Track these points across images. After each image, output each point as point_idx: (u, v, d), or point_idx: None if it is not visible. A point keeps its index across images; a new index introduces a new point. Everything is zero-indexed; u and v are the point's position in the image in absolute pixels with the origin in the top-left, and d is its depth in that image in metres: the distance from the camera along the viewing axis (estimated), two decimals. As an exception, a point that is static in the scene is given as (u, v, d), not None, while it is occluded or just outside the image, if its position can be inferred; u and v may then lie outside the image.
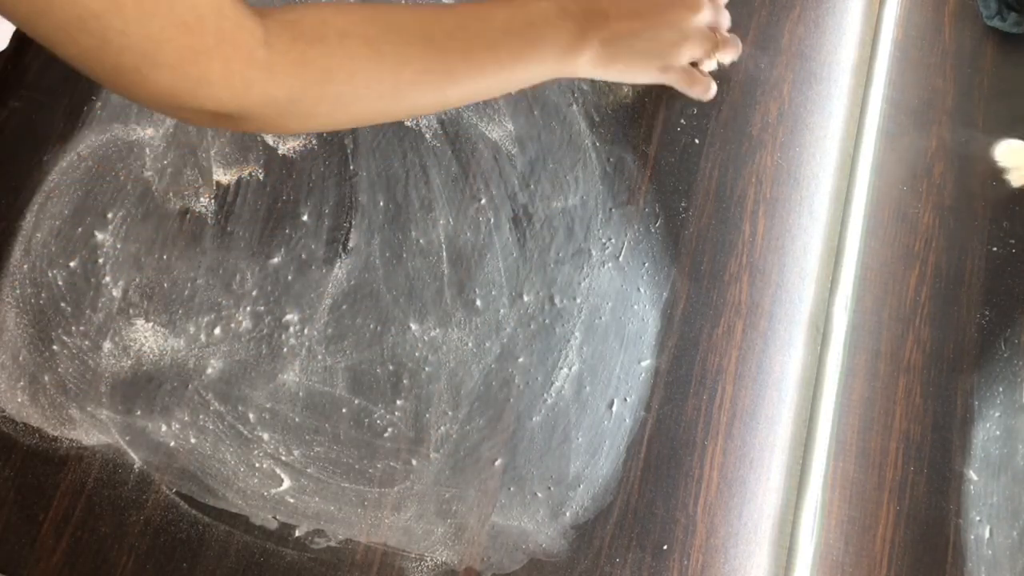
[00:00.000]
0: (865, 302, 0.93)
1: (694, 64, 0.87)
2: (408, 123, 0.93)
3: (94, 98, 0.89)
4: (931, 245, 0.97)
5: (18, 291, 0.82)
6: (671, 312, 0.90)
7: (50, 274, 0.83)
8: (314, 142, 0.90)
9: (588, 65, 0.75)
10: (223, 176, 0.88)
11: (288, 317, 0.84)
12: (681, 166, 0.95)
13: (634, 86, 0.96)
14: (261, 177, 0.88)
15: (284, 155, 0.89)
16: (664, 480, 0.84)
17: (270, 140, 0.90)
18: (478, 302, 0.87)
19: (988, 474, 0.88)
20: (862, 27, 1.06)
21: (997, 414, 0.90)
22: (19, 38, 0.89)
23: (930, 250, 0.96)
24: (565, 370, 0.86)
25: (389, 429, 0.82)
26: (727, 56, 0.87)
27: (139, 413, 0.80)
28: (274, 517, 0.79)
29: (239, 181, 0.88)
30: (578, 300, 0.89)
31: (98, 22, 0.47)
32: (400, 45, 0.64)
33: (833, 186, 0.98)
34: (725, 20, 0.85)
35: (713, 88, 0.87)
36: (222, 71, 0.53)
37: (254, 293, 0.85)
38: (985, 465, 0.88)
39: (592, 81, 0.97)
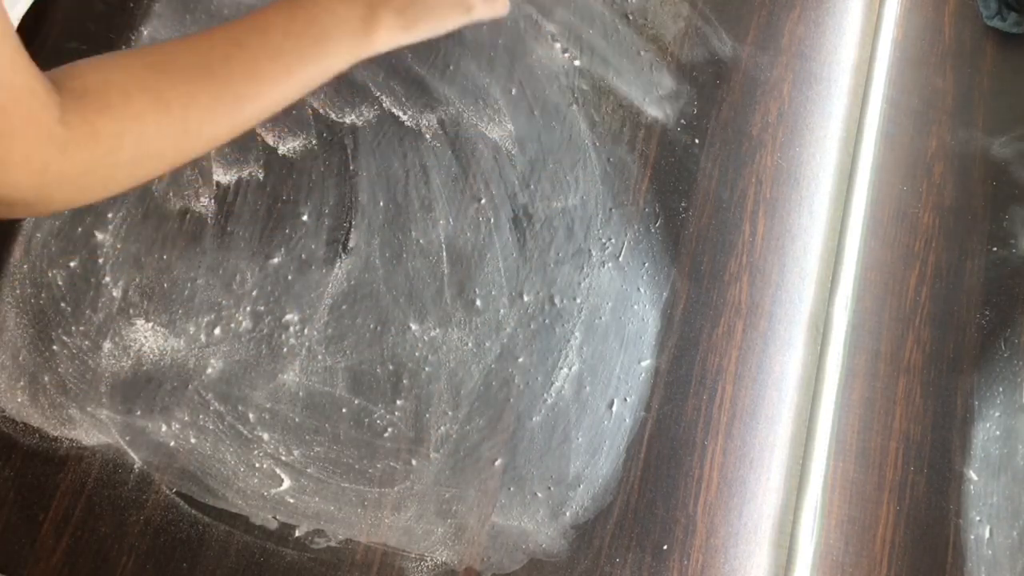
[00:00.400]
0: (865, 302, 0.93)
1: None
2: (408, 123, 0.93)
3: (94, 98, 0.89)
4: (931, 245, 0.97)
5: (18, 291, 0.82)
6: (671, 312, 0.90)
7: (50, 274, 0.83)
8: (314, 142, 0.90)
9: (389, 39, 0.72)
10: (223, 176, 0.88)
11: (288, 317, 0.84)
12: (681, 166, 0.95)
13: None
14: (261, 177, 0.88)
15: (284, 155, 0.89)
16: (664, 480, 0.84)
17: (270, 140, 0.90)
18: (478, 302, 0.87)
19: (988, 474, 0.88)
20: (862, 27, 1.06)
21: (997, 414, 0.90)
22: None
23: (930, 250, 0.96)
24: (565, 370, 0.86)
25: (389, 429, 0.82)
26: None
27: (139, 413, 0.80)
28: (274, 517, 0.79)
29: (239, 181, 0.88)
30: (578, 300, 0.89)
31: None
32: (182, 85, 0.62)
33: (833, 186, 0.98)
34: None
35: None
36: (23, 153, 0.51)
37: (254, 293, 0.85)
38: (985, 465, 0.88)
39: (592, 81, 0.97)
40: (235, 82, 0.65)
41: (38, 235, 0.84)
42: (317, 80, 0.73)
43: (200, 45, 0.66)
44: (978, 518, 0.86)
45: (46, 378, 0.80)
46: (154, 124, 0.59)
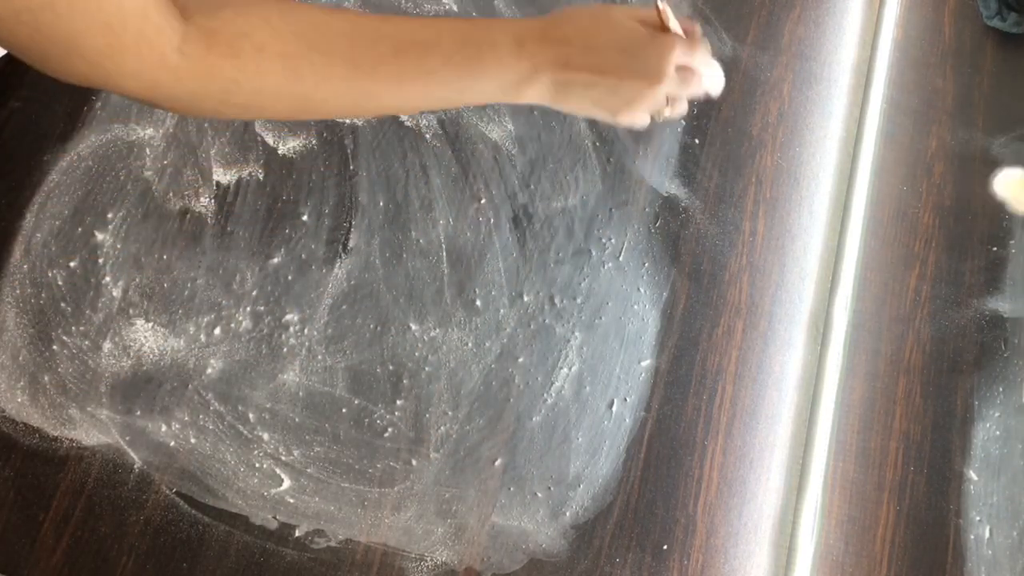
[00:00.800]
0: (865, 302, 0.93)
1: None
2: (408, 123, 0.93)
3: (94, 98, 0.89)
4: (931, 245, 0.96)
5: (18, 291, 0.82)
6: (671, 312, 0.90)
7: (50, 274, 0.83)
8: (314, 142, 0.90)
9: (535, 97, 0.72)
10: (223, 176, 0.88)
11: (288, 317, 0.84)
12: (681, 166, 0.95)
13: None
14: (261, 177, 0.88)
15: (284, 155, 0.89)
16: (664, 480, 0.84)
17: (270, 140, 0.90)
18: (478, 302, 0.87)
19: (988, 474, 0.88)
20: (862, 27, 1.06)
21: (997, 414, 0.90)
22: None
23: (930, 250, 0.96)
24: (565, 370, 0.86)
25: (389, 429, 0.82)
26: (679, 108, 0.78)
27: (139, 413, 0.80)
28: (274, 517, 0.79)
29: (239, 181, 0.88)
30: (578, 300, 0.89)
31: (32, 15, 0.51)
32: (321, 67, 0.64)
33: (833, 186, 0.98)
34: (699, 59, 0.77)
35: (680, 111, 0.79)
36: (134, 68, 0.56)
37: (254, 293, 0.85)
38: (985, 465, 0.88)
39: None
40: (376, 82, 0.66)
41: (38, 235, 0.84)
42: (448, 106, 0.76)
43: (360, 34, 0.67)
44: (978, 518, 0.86)
45: (46, 378, 0.80)
46: (277, 86, 0.62)
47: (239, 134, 0.89)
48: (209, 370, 0.82)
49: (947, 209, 0.98)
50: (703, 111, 0.98)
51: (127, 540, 0.77)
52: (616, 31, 0.72)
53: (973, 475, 0.88)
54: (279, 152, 0.89)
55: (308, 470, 0.80)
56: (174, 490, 0.78)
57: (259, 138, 0.89)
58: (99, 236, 0.84)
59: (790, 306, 0.92)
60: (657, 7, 0.72)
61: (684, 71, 0.74)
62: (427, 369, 0.84)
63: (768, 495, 0.86)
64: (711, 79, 0.84)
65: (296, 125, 0.90)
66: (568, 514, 0.82)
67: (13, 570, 0.75)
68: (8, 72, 0.89)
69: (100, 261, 0.84)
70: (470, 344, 0.86)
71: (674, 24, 0.73)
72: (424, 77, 0.67)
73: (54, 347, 0.81)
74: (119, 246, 0.84)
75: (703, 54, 0.76)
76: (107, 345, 0.82)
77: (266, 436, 0.81)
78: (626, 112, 0.72)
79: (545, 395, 0.85)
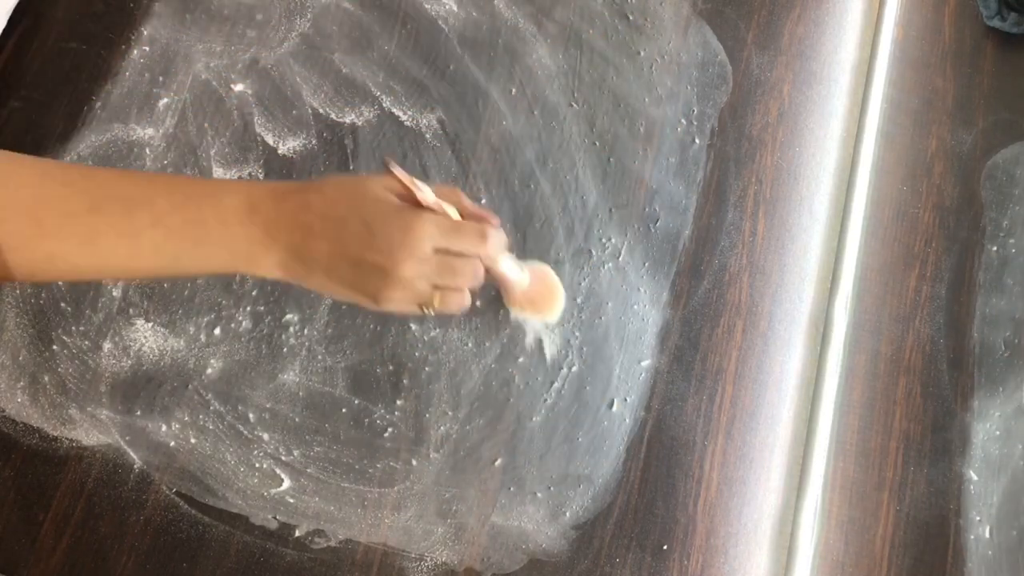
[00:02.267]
0: (865, 302, 0.93)
1: None
2: (408, 123, 0.93)
3: (94, 98, 0.89)
4: (931, 245, 0.96)
5: (18, 291, 0.82)
6: (671, 312, 0.90)
7: (50, 274, 0.83)
8: (314, 142, 0.90)
9: (275, 270, 0.63)
10: (223, 176, 0.88)
11: (288, 317, 0.84)
12: (681, 166, 0.95)
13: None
14: (261, 177, 0.88)
15: (284, 155, 0.89)
16: (664, 480, 0.84)
17: (270, 140, 0.90)
18: (478, 302, 0.87)
19: (988, 474, 0.88)
20: (862, 27, 1.06)
21: (997, 414, 0.90)
22: (18, 37, 0.89)
23: (930, 250, 0.96)
24: (565, 370, 0.86)
25: (389, 429, 0.82)
26: (453, 300, 0.68)
27: (139, 413, 0.80)
28: (274, 517, 0.79)
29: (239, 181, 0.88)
30: (578, 300, 0.89)
31: None
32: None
33: (833, 186, 0.98)
34: (468, 244, 0.66)
35: (462, 303, 0.69)
36: None
37: (254, 293, 0.84)
38: (985, 465, 0.88)
39: (592, 81, 0.97)
40: (62, 241, 0.58)
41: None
42: (170, 274, 0.66)
43: (49, 187, 0.58)
44: (978, 518, 0.86)
45: (46, 378, 0.80)
46: None
47: (239, 134, 0.89)
48: (209, 370, 0.82)
49: (947, 209, 0.98)
50: (703, 111, 0.98)
51: (127, 540, 0.77)
52: (365, 201, 0.64)
53: (973, 475, 0.88)
54: (279, 152, 0.89)
55: (308, 470, 0.80)
56: (174, 490, 0.78)
57: (259, 138, 0.89)
58: (99, 236, 0.84)
59: (790, 306, 0.92)
60: (389, 168, 0.64)
61: (447, 258, 0.65)
62: (427, 369, 0.84)
63: (768, 495, 0.86)
64: (543, 282, 0.79)
65: (296, 124, 0.90)
66: (568, 514, 0.82)
67: (13, 570, 0.75)
68: (8, 72, 0.89)
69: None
70: (470, 344, 0.86)
71: (428, 196, 0.65)
72: (129, 239, 0.58)
73: (54, 347, 0.81)
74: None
75: (474, 237, 0.66)
76: (107, 345, 0.82)
77: (266, 436, 0.81)
78: (381, 299, 0.63)
79: (545, 395, 0.85)
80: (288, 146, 0.90)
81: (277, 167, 0.89)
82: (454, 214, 0.66)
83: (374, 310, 0.66)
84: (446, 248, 0.64)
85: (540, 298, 0.84)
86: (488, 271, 0.70)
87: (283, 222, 0.62)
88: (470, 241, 0.66)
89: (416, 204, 0.64)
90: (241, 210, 0.61)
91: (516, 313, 0.85)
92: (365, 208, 0.63)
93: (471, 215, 0.69)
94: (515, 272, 0.76)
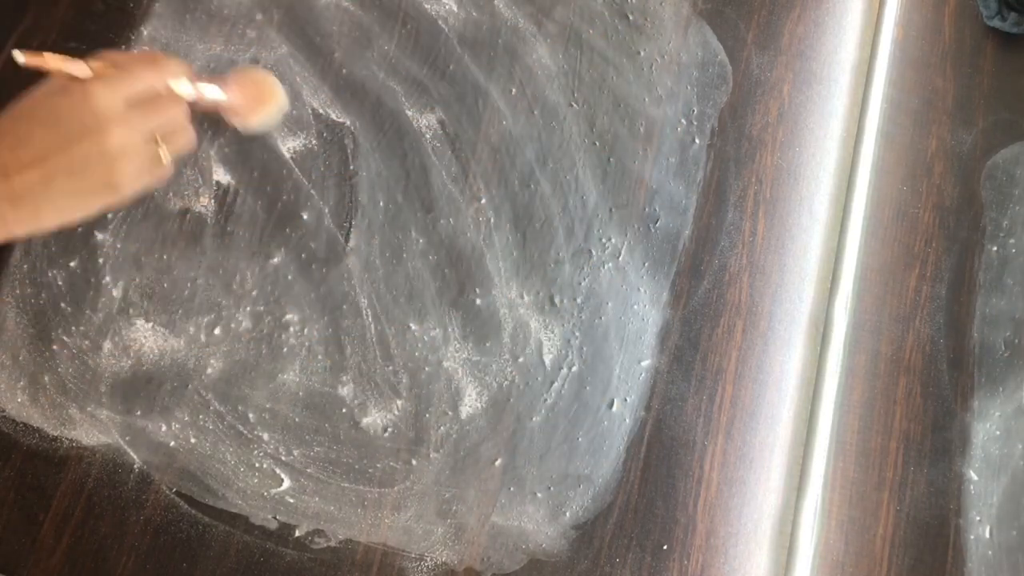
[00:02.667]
0: (865, 302, 0.93)
1: None
2: (408, 123, 0.92)
3: (94, 98, 0.89)
4: (931, 245, 0.96)
5: (18, 291, 0.82)
6: (671, 312, 0.90)
7: (50, 274, 0.83)
8: (314, 142, 0.90)
9: (10, 227, 0.59)
10: (223, 176, 0.88)
11: (288, 317, 0.84)
12: (681, 166, 0.95)
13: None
14: (261, 177, 0.88)
15: (284, 155, 0.89)
16: (664, 480, 0.84)
17: (270, 139, 0.90)
18: (478, 302, 0.87)
19: (988, 474, 0.88)
20: (862, 27, 1.06)
21: (997, 414, 0.90)
22: (18, 37, 0.89)
23: (930, 250, 0.96)
24: (565, 370, 0.86)
25: (389, 429, 0.82)
26: (181, 139, 0.66)
27: (139, 413, 0.80)
28: (274, 517, 0.79)
29: (239, 181, 0.88)
30: (578, 300, 0.89)
31: None
32: None
33: (833, 186, 0.98)
34: (142, 72, 0.64)
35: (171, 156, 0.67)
36: None
37: (254, 293, 0.84)
38: (985, 465, 0.88)
39: (592, 81, 0.97)
40: None
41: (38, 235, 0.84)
42: None
43: None
44: (978, 518, 0.86)
45: (46, 378, 0.80)
46: None
47: (238, 134, 0.89)
48: (209, 370, 0.82)
49: (947, 209, 0.98)
50: (703, 111, 0.98)
51: (127, 540, 0.77)
52: (33, 110, 0.61)
53: (973, 475, 0.88)
54: (279, 152, 0.89)
55: (308, 470, 0.80)
56: (174, 490, 0.78)
57: (259, 137, 0.89)
58: (99, 236, 0.84)
59: (790, 306, 0.92)
60: (19, 62, 0.61)
61: (146, 101, 0.62)
62: (427, 369, 0.84)
63: (768, 495, 0.86)
64: (202, 91, 0.70)
65: (296, 124, 0.90)
66: (568, 514, 0.82)
67: (13, 570, 0.75)
68: (8, 72, 0.89)
69: (100, 261, 0.84)
70: (470, 344, 0.86)
71: (82, 70, 0.62)
72: None
73: (54, 347, 0.81)
74: (119, 246, 0.84)
75: (144, 65, 0.63)
76: (107, 345, 0.82)
77: (266, 436, 0.81)
78: (116, 183, 0.60)
79: (545, 395, 0.85)
80: (288, 146, 0.90)
81: (277, 167, 0.89)
82: (79, 68, 0.63)
83: (123, 200, 0.62)
84: (132, 96, 0.61)
85: (256, 98, 0.76)
86: (191, 104, 0.67)
87: None
88: (146, 74, 0.63)
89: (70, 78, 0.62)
90: None
91: (245, 125, 0.78)
92: (38, 114, 0.60)
93: (120, 58, 0.65)
94: (212, 89, 0.71)
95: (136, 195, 0.62)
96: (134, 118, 0.61)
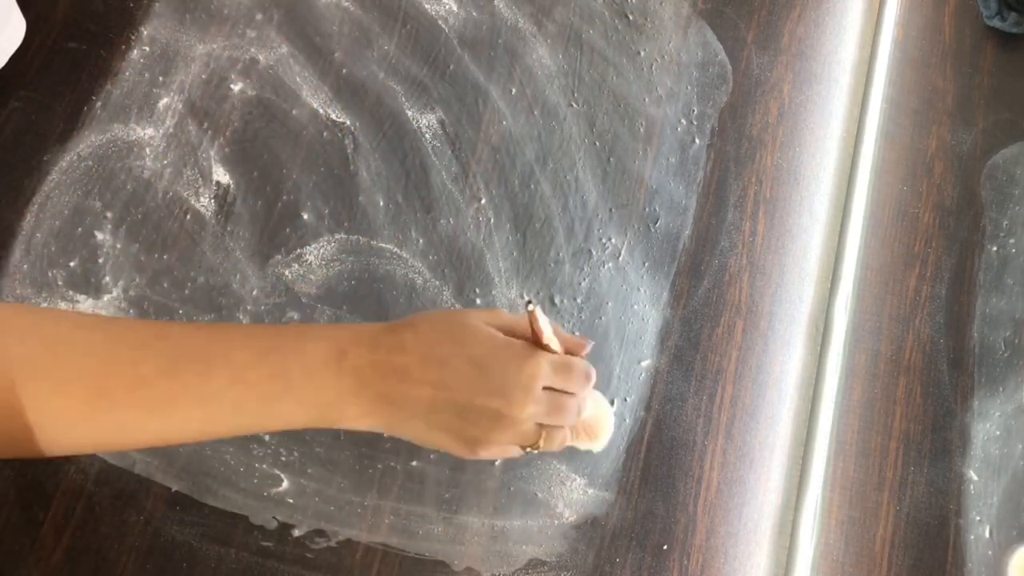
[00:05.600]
0: (865, 302, 0.93)
1: None
2: (408, 123, 0.92)
3: (94, 98, 0.89)
4: (931, 245, 0.96)
5: (18, 291, 0.82)
6: (671, 312, 0.90)
7: (50, 274, 0.83)
8: (314, 142, 0.90)
9: (365, 420, 0.58)
10: (223, 176, 0.88)
11: (288, 316, 0.84)
12: (681, 166, 0.95)
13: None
14: (261, 177, 0.88)
15: (284, 155, 0.89)
16: (664, 480, 0.84)
17: (270, 138, 0.90)
18: (478, 302, 0.87)
19: (988, 474, 0.88)
20: (862, 26, 1.06)
21: (997, 414, 0.90)
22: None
23: (930, 250, 0.96)
24: (565, 370, 0.86)
25: (389, 429, 0.82)
26: (557, 439, 0.64)
27: (139, 413, 0.80)
28: (274, 517, 0.79)
29: (239, 181, 0.88)
30: (578, 300, 0.89)
31: None
32: (49, 398, 0.49)
33: (833, 186, 0.98)
34: (577, 383, 0.63)
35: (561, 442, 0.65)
36: None
37: (254, 293, 0.84)
38: (985, 465, 0.88)
39: (592, 81, 0.97)
40: (130, 411, 0.52)
41: (38, 235, 0.84)
42: (247, 432, 0.58)
43: (117, 351, 0.52)
44: (978, 518, 0.86)
45: (46, 378, 0.80)
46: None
47: (239, 134, 0.89)
48: (209, 370, 0.82)
49: (947, 209, 0.98)
50: (703, 111, 0.98)
51: (127, 540, 0.77)
52: (469, 339, 0.58)
53: (973, 475, 0.88)
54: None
55: (308, 470, 0.80)
56: (174, 490, 0.78)
57: (259, 137, 0.89)
58: (99, 236, 0.84)
59: (790, 306, 0.92)
60: (528, 311, 0.59)
61: (556, 396, 0.61)
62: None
63: (768, 495, 0.86)
64: (597, 410, 0.72)
65: (297, 124, 0.90)
66: (568, 514, 0.82)
67: (13, 570, 0.75)
68: (8, 72, 0.89)
69: (100, 261, 0.84)
70: (470, 344, 0.86)
71: (548, 333, 0.61)
72: (204, 403, 0.53)
73: (54, 347, 0.81)
74: (119, 246, 0.84)
75: (582, 378, 0.63)
76: (107, 345, 0.82)
77: (266, 436, 0.81)
78: (485, 444, 0.59)
79: (545, 395, 0.85)
80: (289, 145, 0.90)
81: (277, 167, 0.89)
82: (556, 346, 0.63)
83: (466, 458, 0.61)
84: (555, 387, 0.61)
85: (593, 426, 0.78)
86: None
87: (377, 367, 0.56)
88: (578, 382, 0.62)
89: (530, 340, 0.61)
90: (330, 358, 0.56)
91: (583, 448, 0.79)
92: (470, 346, 0.58)
93: (570, 346, 0.65)
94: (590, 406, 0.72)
95: (473, 460, 0.63)
96: (545, 407, 0.60)
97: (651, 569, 0.81)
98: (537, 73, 0.97)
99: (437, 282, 0.87)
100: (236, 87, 0.91)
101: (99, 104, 0.89)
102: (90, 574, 0.76)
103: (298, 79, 0.92)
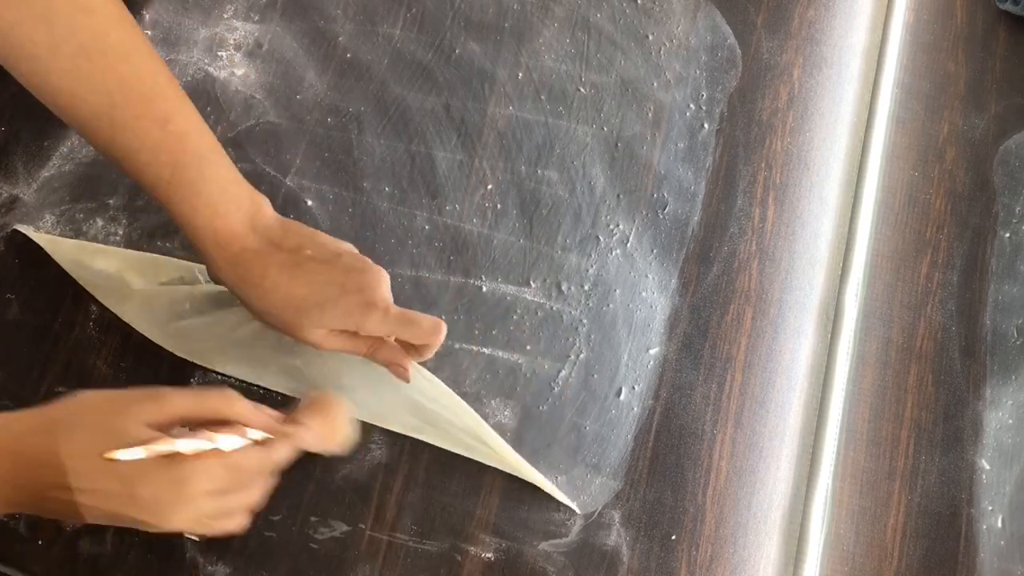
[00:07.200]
0: (876, 289, 0.92)
1: None
2: (413, 108, 0.92)
3: (95, 83, 0.88)
4: (943, 231, 0.95)
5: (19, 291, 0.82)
6: (680, 299, 0.89)
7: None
8: (318, 129, 0.90)
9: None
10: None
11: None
12: (690, 151, 0.94)
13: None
14: (265, 162, 0.88)
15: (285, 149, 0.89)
16: (672, 469, 0.83)
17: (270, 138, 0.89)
18: (484, 289, 0.86)
19: (1001, 463, 0.87)
20: (873, 10, 1.05)
21: (1010, 402, 0.89)
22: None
23: (942, 236, 0.95)
24: (572, 358, 0.85)
25: (395, 418, 0.82)
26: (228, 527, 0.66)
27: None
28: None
29: (242, 166, 0.87)
30: (586, 287, 0.88)
31: None
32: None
33: (844, 171, 0.97)
34: (244, 483, 0.65)
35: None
36: None
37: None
38: (998, 454, 0.87)
39: (600, 65, 0.96)
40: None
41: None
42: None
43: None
44: (990, 507, 0.85)
45: (47, 366, 0.80)
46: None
47: (242, 119, 0.89)
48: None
49: (959, 195, 0.97)
50: (712, 95, 0.96)
51: (127, 538, 0.76)
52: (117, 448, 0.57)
53: (985, 464, 0.87)
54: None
55: (313, 459, 0.80)
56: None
57: (262, 123, 0.89)
58: (101, 224, 0.84)
59: (800, 293, 0.91)
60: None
61: (227, 497, 0.63)
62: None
63: (778, 484, 0.85)
64: (291, 453, 0.68)
65: (300, 110, 0.89)
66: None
67: (12, 566, 0.75)
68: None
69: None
70: (475, 331, 0.85)
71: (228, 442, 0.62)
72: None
73: (55, 335, 0.81)
74: (121, 232, 0.84)
75: (262, 475, 0.66)
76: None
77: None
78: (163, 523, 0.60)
79: (552, 384, 0.84)
80: (290, 137, 0.89)
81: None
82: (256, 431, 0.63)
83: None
84: (222, 490, 0.61)
85: (328, 429, 0.72)
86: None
87: (26, 463, 0.56)
88: (250, 479, 0.64)
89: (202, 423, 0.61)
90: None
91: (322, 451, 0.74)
92: (121, 464, 0.57)
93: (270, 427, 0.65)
94: (300, 445, 0.69)
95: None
96: (209, 509, 0.61)
97: (659, 559, 0.80)
98: (544, 57, 0.96)
99: (442, 269, 0.87)
100: (239, 71, 0.90)
101: (100, 89, 0.88)
102: (91, 571, 0.75)
103: (302, 63, 0.91)
